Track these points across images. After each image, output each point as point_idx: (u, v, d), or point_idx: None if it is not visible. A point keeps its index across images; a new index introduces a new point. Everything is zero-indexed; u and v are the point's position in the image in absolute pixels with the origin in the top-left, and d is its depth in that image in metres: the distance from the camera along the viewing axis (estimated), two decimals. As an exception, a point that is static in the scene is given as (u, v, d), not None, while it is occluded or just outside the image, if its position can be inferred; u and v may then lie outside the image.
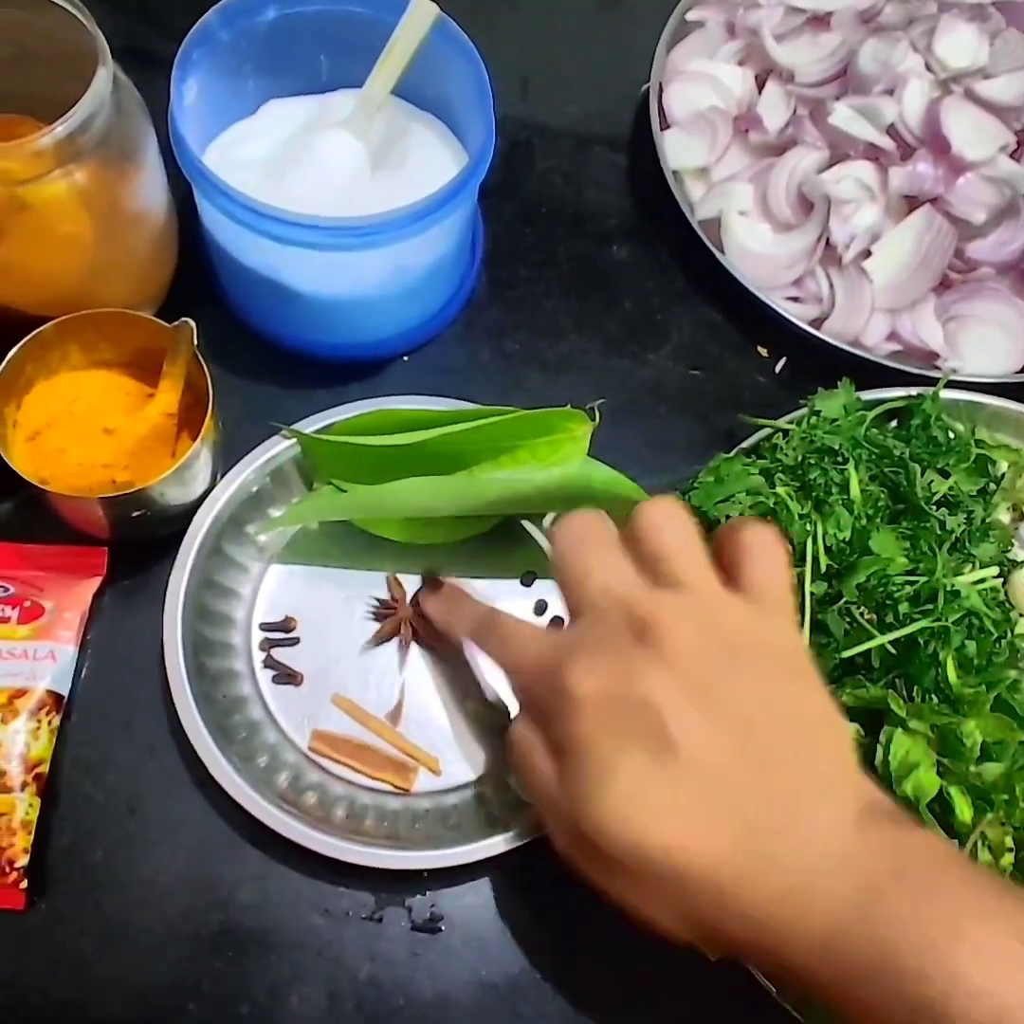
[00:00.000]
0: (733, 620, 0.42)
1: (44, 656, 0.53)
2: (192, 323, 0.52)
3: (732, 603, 0.42)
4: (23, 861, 0.50)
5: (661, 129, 0.67)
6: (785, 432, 0.59)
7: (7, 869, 0.50)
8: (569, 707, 0.40)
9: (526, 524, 0.59)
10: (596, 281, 0.68)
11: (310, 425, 0.57)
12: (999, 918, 0.36)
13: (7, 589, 0.55)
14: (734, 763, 0.39)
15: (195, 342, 0.53)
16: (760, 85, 0.69)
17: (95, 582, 0.56)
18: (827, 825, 0.38)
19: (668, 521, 0.44)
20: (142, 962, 0.51)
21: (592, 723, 0.39)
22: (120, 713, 0.55)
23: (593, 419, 0.56)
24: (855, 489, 0.54)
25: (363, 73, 0.58)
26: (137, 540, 0.57)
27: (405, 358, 0.64)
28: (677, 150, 0.67)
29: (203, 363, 0.53)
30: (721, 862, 0.38)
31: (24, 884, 0.50)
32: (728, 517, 0.54)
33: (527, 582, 0.59)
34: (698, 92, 0.69)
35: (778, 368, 0.66)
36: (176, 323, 0.52)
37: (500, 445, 0.55)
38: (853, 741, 0.41)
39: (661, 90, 0.69)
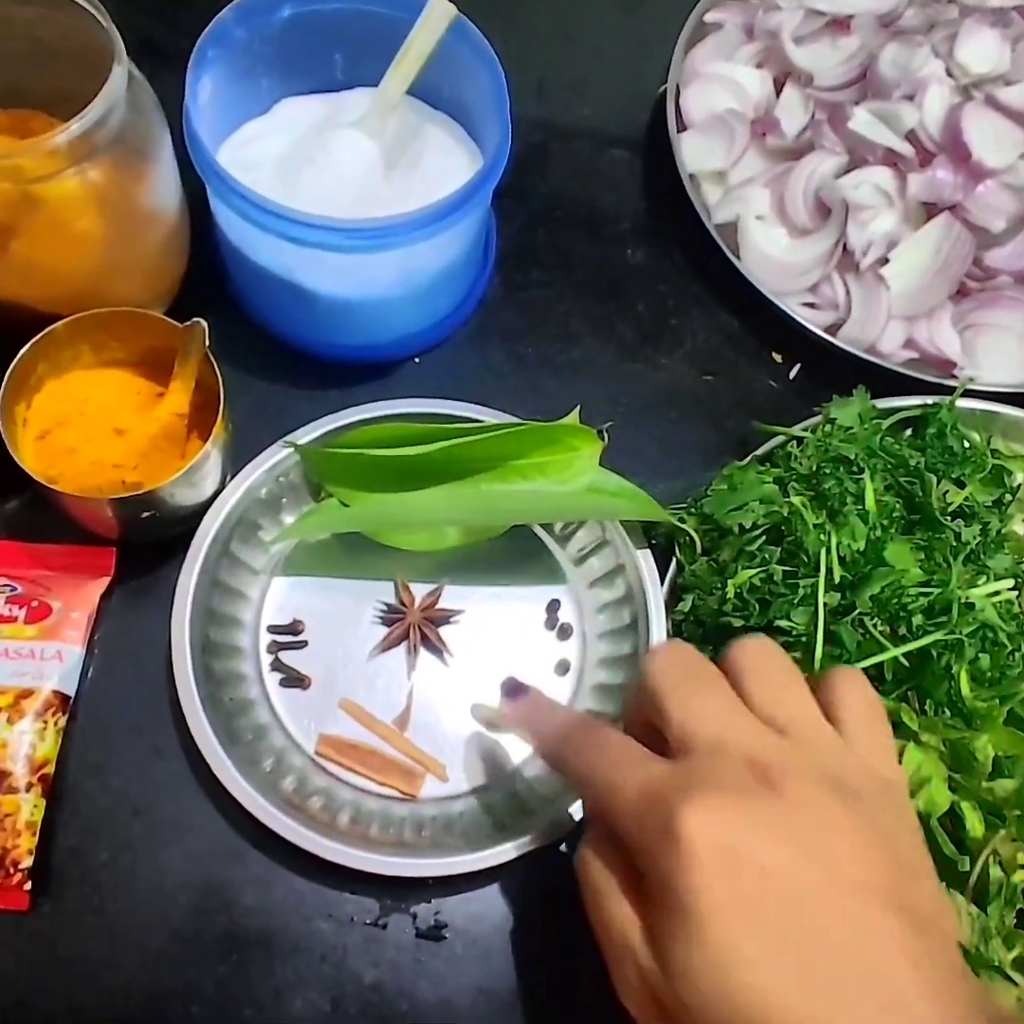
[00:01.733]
0: (850, 771, 0.39)
1: (51, 656, 0.53)
2: (204, 323, 0.52)
3: (846, 751, 0.40)
4: (27, 862, 0.50)
5: (678, 132, 0.67)
6: (799, 440, 0.58)
7: (11, 870, 0.50)
8: (678, 854, 0.35)
9: (539, 531, 0.58)
10: (610, 284, 0.67)
11: (318, 429, 0.57)
12: None
13: (14, 588, 0.54)
14: (859, 946, 0.35)
15: (207, 343, 0.52)
16: (778, 88, 0.69)
17: (103, 582, 0.56)
18: None
19: (772, 662, 0.42)
20: (145, 965, 0.51)
21: (706, 879, 0.35)
22: (126, 714, 0.55)
23: (602, 440, 0.55)
24: (871, 500, 0.53)
25: (378, 72, 0.58)
26: (145, 540, 0.57)
27: (417, 360, 0.64)
28: (694, 153, 0.67)
29: (214, 364, 0.53)
30: None
31: (28, 885, 0.50)
32: (741, 526, 0.54)
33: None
34: (715, 95, 0.68)
35: (792, 374, 0.66)
36: (188, 323, 0.52)
37: (508, 458, 0.55)
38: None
39: (678, 92, 0.68)
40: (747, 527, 0.54)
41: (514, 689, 0.48)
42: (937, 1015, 0.35)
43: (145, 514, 0.53)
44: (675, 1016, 0.36)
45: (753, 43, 0.70)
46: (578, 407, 0.57)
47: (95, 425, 0.54)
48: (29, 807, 0.51)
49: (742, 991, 0.35)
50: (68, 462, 0.53)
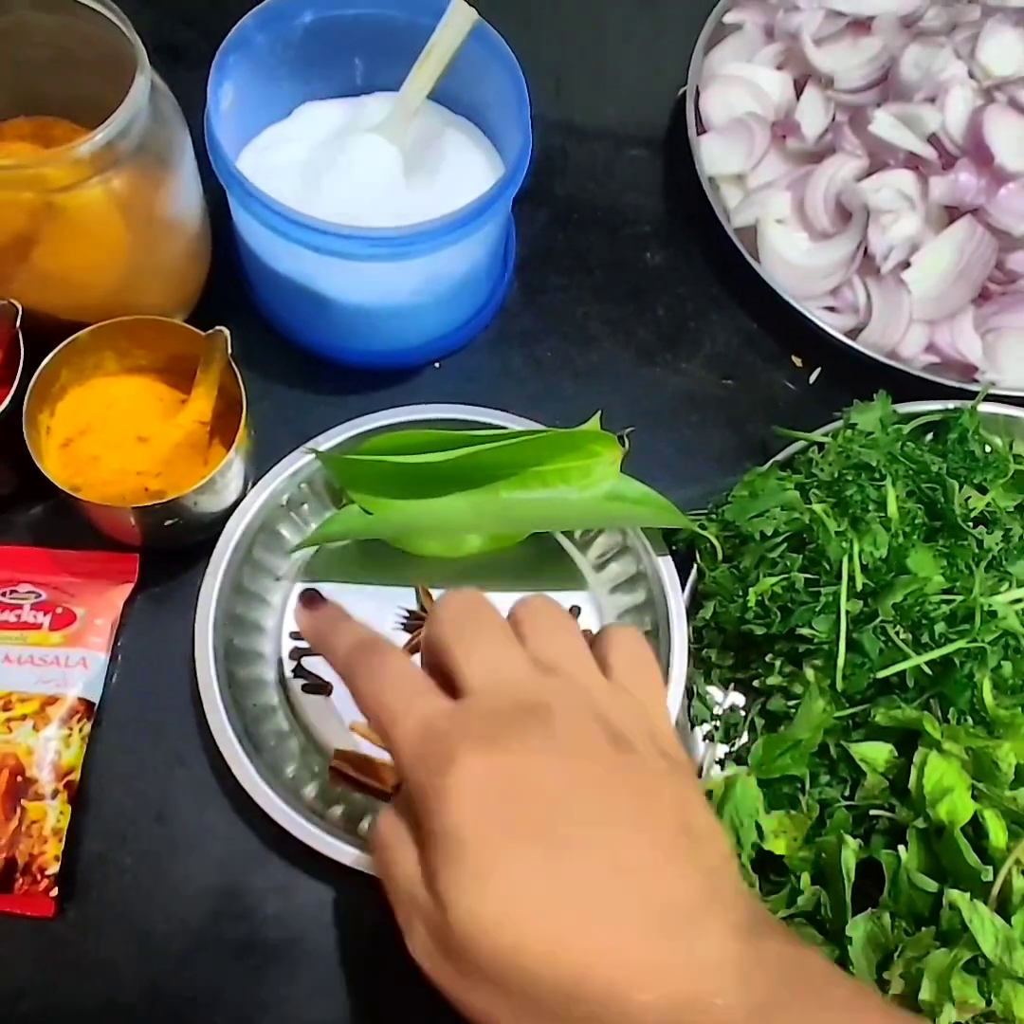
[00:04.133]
0: (617, 707, 0.41)
1: (76, 663, 0.53)
2: (227, 331, 0.52)
3: (616, 690, 0.42)
4: (54, 869, 0.50)
5: (697, 134, 0.67)
6: (820, 445, 0.58)
7: (38, 876, 0.50)
8: (448, 787, 0.37)
9: (559, 537, 0.58)
10: (629, 288, 0.67)
11: (339, 435, 0.57)
12: None
13: (39, 595, 0.55)
14: (624, 861, 0.37)
15: (229, 350, 0.52)
16: (799, 90, 0.69)
17: (126, 588, 0.56)
18: (718, 936, 0.36)
19: (547, 612, 0.44)
20: (169, 971, 0.51)
21: (472, 808, 0.36)
22: (150, 721, 0.55)
23: (623, 445, 0.55)
24: (893, 507, 0.53)
25: (399, 77, 0.58)
26: (169, 547, 0.57)
27: (437, 365, 0.64)
28: (713, 156, 0.66)
29: (237, 371, 0.53)
30: (606, 967, 0.35)
31: (54, 891, 0.50)
32: (763, 533, 0.54)
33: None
34: (735, 96, 0.68)
35: (813, 379, 0.65)
36: (210, 331, 0.52)
37: (529, 465, 0.55)
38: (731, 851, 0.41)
39: (698, 94, 0.68)
40: (768, 534, 0.54)
41: (311, 600, 0.47)
42: (720, 925, 0.36)
43: (168, 522, 0.53)
44: (462, 962, 0.36)
45: (773, 44, 0.70)
46: (599, 413, 0.57)
47: (118, 433, 0.55)
48: (55, 813, 0.51)
49: (511, 915, 0.35)
50: (92, 470, 0.53)
